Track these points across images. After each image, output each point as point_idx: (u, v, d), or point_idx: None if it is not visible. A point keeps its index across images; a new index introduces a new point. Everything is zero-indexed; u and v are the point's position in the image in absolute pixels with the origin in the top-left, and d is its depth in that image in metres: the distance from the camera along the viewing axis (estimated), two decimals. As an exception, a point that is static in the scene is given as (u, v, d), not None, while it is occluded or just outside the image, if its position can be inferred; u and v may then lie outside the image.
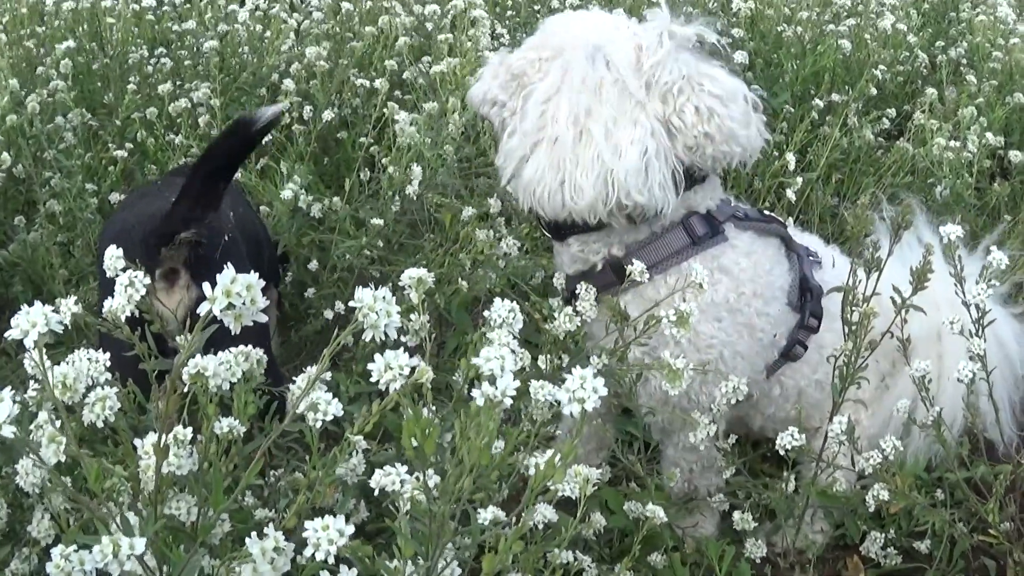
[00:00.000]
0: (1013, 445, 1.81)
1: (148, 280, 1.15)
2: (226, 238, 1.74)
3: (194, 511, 1.09)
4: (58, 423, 1.01)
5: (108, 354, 1.17)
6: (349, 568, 0.99)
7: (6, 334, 0.97)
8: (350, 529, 0.95)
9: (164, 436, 1.01)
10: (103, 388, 1.09)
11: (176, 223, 1.60)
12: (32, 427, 1.03)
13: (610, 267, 1.68)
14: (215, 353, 1.08)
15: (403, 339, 1.16)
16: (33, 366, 1.04)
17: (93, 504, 1.01)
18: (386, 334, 1.00)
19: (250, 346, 1.12)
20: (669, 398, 1.65)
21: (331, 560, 0.95)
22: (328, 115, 2.65)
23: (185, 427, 1.08)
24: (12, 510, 1.30)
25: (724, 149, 1.62)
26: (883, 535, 1.78)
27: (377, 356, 1.01)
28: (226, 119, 2.79)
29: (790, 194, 2.64)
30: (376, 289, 1.00)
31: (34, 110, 2.50)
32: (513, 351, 1.01)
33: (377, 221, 2.31)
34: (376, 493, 1.15)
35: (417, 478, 1.07)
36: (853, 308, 1.59)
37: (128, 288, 1.12)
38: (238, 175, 2.46)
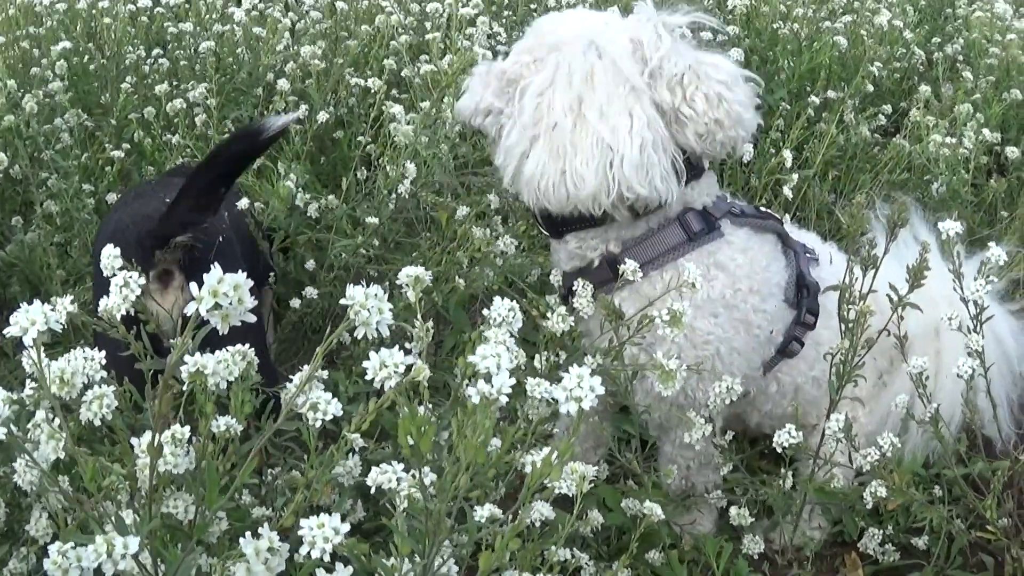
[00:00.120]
0: (1011, 442, 1.82)
1: (143, 280, 1.15)
2: (220, 239, 1.74)
3: (191, 510, 1.09)
4: (56, 421, 1.01)
5: (103, 353, 1.17)
6: (345, 566, 0.99)
7: (5, 331, 0.98)
8: (345, 527, 0.96)
9: (158, 435, 1.01)
10: (100, 387, 1.09)
11: (173, 226, 1.60)
12: (30, 426, 1.03)
13: (607, 263, 1.68)
14: (212, 352, 1.08)
15: (408, 346, 1.16)
16: (31, 364, 1.04)
17: (89, 503, 1.01)
18: (384, 332, 1.00)
19: (247, 345, 1.13)
20: (665, 395, 1.65)
21: (327, 558, 0.95)
22: (323, 115, 2.65)
23: (183, 426, 1.08)
24: (10, 509, 1.30)
25: (732, 134, 1.64)
26: (881, 531, 1.78)
27: (372, 354, 1.01)
28: (223, 119, 2.79)
29: (787, 191, 2.64)
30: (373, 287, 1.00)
31: (31, 111, 2.50)
32: (509, 349, 1.01)
33: (373, 220, 2.31)
34: (373, 491, 1.15)
35: (413, 475, 1.07)
36: (850, 306, 1.59)
37: (123, 288, 1.12)
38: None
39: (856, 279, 1.59)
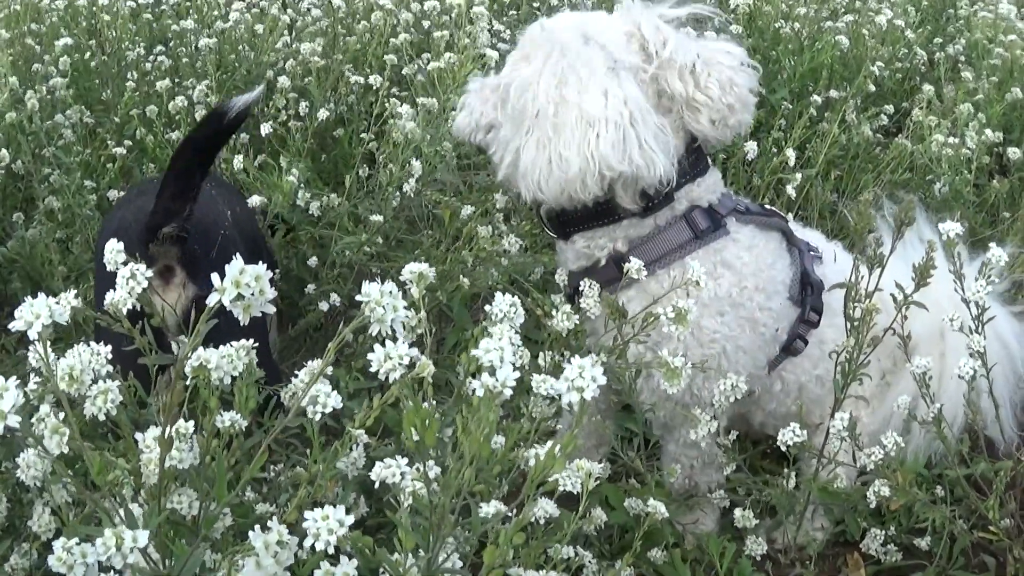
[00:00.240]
0: (1013, 443, 1.81)
1: (150, 273, 1.15)
2: (222, 235, 1.74)
3: (196, 505, 1.09)
4: (61, 415, 1.01)
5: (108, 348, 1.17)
6: (349, 560, 0.99)
7: (10, 326, 0.97)
8: (350, 519, 0.95)
9: (168, 428, 1.01)
10: (104, 381, 1.09)
11: (158, 218, 1.60)
12: (34, 420, 1.03)
13: (613, 262, 1.68)
14: (216, 348, 1.08)
15: (400, 335, 1.16)
16: (37, 358, 1.04)
17: (96, 497, 1.01)
18: (398, 330, 1.00)
19: (250, 340, 1.12)
20: (671, 394, 1.64)
21: (331, 550, 0.94)
22: (324, 113, 2.65)
23: (186, 422, 1.07)
24: (11, 505, 1.29)
25: (740, 118, 1.67)
26: (883, 532, 1.78)
27: (377, 347, 1.01)
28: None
29: (790, 190, 2.64)
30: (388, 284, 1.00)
31: (33, 107, 2.50)
32: (512, 343, 1.01)
33: (376, 217, 2.31)
34: (376, 486, 1.15)
35: (418, 470, 1.07)
36: (855, 304, 1.59)
37: (130, 281, 1.11)
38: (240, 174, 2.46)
39: (862, 277, 1.59)
